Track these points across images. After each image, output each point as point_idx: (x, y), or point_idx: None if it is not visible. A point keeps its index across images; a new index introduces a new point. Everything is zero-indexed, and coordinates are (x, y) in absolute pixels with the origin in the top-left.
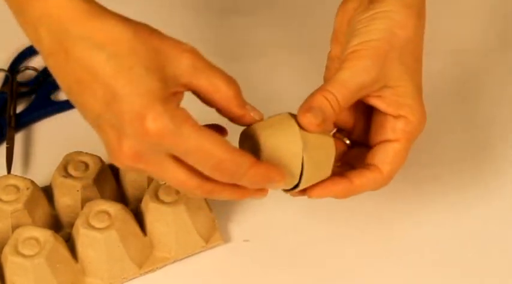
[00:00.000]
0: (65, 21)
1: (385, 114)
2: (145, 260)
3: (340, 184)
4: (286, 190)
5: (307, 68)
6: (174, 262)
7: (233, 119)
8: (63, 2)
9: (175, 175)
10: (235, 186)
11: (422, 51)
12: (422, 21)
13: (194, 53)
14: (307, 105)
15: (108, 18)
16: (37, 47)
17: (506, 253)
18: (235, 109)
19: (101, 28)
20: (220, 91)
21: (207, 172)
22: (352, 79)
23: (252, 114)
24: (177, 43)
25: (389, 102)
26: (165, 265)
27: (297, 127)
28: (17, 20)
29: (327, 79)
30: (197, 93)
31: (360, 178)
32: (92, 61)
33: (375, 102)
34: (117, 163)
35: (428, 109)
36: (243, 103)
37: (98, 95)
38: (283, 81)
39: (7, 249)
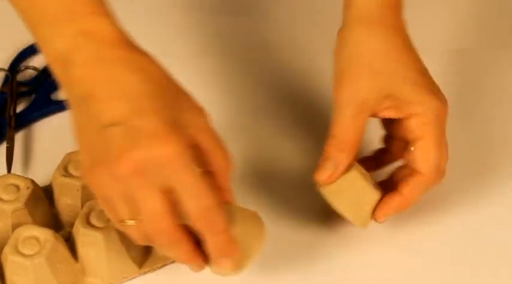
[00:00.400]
0: (106, 41)
1: (397, 120)
2: (145, 260)
3: (394, 200)
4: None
5: (309, 68)
6: (174, 261)
7: (219, 187)
8: (106, 26)
9: (155, 205)
10: (195, 249)
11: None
12: (401, 15)
13: (206, 113)
14: (320, 162)
15: (139, 49)
16: (68, 56)
17: (507, 253)
18: (224, 180)
19: (136, 54)
20: (217, 158)
21: (191, 211)
22: (345, 110)
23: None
24: (192, 99)
25: (396, 107)
26: (165, 265)
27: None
28: (34, 21)
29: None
30: (197, 149)
31: (406, 187)
32: (126, 78)
33: (384, 114)
34: (110, 170)
35: None
36: (230, 181)
37: (121, 106)
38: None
39: (7, 249)
